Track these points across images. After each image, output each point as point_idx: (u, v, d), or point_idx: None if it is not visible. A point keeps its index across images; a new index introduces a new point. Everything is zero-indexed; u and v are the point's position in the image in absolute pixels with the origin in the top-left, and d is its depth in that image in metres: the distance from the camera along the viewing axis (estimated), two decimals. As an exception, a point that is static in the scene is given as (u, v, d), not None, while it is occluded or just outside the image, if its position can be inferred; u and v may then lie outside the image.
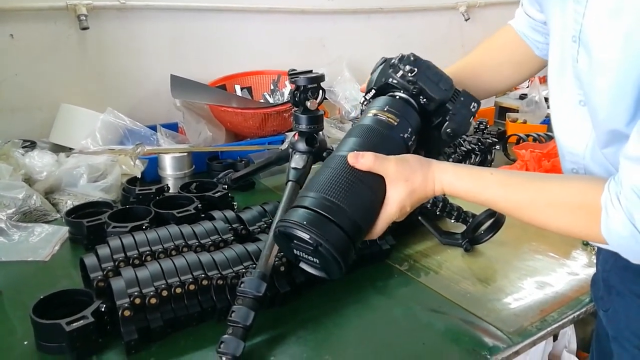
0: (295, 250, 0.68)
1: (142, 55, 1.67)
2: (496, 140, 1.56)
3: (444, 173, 0.69)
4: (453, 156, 1.45)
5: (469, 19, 2.34)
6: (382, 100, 0.77)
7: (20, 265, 1.01)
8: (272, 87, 1.80)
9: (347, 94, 1.88)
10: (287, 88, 1.81)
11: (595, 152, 0.67)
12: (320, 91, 1.03)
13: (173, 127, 1.67)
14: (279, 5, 1.87)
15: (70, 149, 1.44)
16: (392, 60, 0.78)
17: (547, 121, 1.82)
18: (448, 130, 0.77)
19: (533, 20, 0.86)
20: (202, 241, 0.93)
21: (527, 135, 1.57)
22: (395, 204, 0.68)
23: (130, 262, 0.87)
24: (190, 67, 1.72)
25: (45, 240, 1.09)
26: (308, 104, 1.02)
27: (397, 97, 0.77)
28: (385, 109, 0.75)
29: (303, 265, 0.70)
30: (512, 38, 0.90)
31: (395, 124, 0.74)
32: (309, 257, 0.67)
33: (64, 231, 1.12)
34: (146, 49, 1.67)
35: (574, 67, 0.66)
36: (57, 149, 1.46)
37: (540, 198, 0.64)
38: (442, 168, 0.70)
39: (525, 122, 1.80)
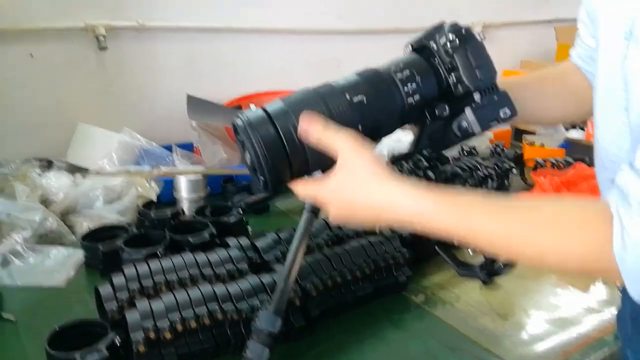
0: (244, 152, 0.67)
1: (159, 75, 1.68)
2: (513, 165, 1.54)
3: (412, 200, 0.58)
4: (469, 181, 1.44)
5: (484, 38, 2.32)
6: (405, 56, 0.72)
7: (36, 290, 1.01)
8: (287, 107, 1.80)
9: (362, 114, 1.87)
10: (302, 108, 1.81)
11: None
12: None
13: (189, 146, 1.67)
14: (293, 26, 1.87)
15: (87, 169, 1.45)
16: (444, 25, 0.71)
17: (565, 145, 1.80)
18: (461, 124, 0.68)
19: (588, 47, 0.82)
20: (216, 270, 0.92)
21: (545, 160, 1.54)
22: (333, 185, 0.63)
23: (145, 292, 0.86)
24: (206, 87, 1.73)
25: (61, 264, 1.09)
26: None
27: (421, 57, 0.71)
28: (400, 63, 0.70)
29: (251, 173, 0.68)
30: (568, 67, 0.85)
31: (406, 89, 0.68)
32: (250, 157, 0.65)
33: (79, 255, 1.12)
34: (163, 69, 1.68)
35: (622, 67, 0.60)
36: (74, 168, 1.46)
37: (535, 218, 0.55)
38: (406, 194, 0.59)
39: (542, 145, 1.78)
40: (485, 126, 0.67)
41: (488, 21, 2.35)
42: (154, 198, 1.30)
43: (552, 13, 2.54)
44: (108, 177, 1.34)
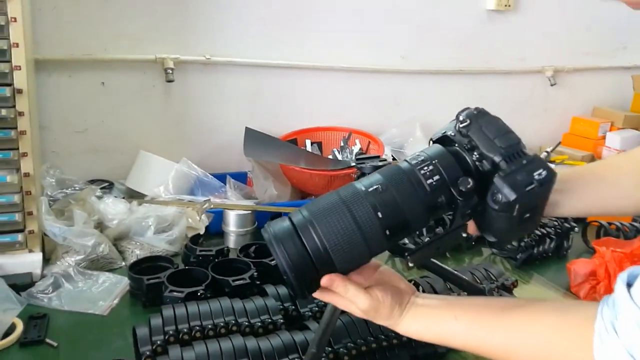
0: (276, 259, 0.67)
1: (221, 107, 1.73)
2: (575, 224, 1.46)
3: (409, 325, 0.70)
4: (525, 240, 1.37)
5: (555, 84, 2.24)
6: (427, 148, 0.71)
7: (80, 316, 1.05)
8: (342, 144, 1.80)
9: (418, 156, 1.83)
10: (357, 146, 1.80)
11: None
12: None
13: (242, 176, 1.70)
14: (355, 65, 1.88)
15: (144, 194, 1.50)
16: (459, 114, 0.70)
17: (634, 206, 1.68)
18: (495, 196, 0.63)
19: None
20: (251, 321, 0.92)
21: (610, 224, 1.44)
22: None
23: (180, 336, 0.87)
24: (265, 120, 1.77)
25: (107, 291, 1.13)
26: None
27: (438, 146, 0.70)
28: (415, 153, 0.69)
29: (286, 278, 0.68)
30: None
31: (422, 172, 0.66)
32: (279, 266, 0.66)
33: (125, 283, 1.15)
34: (225, 102, 1.73)
35: None
36: (132, 192, 1.53)
37: (514, 340, 0.61)
38: (408, 322, 0.70)
39: (609, 204, 1.67)
40: (520, 192, 0.61)
41: (559, 66, 2.26)
42: (202, 231, 1.32)
43: (630, 60, 2.42)
44: (161, 205, 1.38)
